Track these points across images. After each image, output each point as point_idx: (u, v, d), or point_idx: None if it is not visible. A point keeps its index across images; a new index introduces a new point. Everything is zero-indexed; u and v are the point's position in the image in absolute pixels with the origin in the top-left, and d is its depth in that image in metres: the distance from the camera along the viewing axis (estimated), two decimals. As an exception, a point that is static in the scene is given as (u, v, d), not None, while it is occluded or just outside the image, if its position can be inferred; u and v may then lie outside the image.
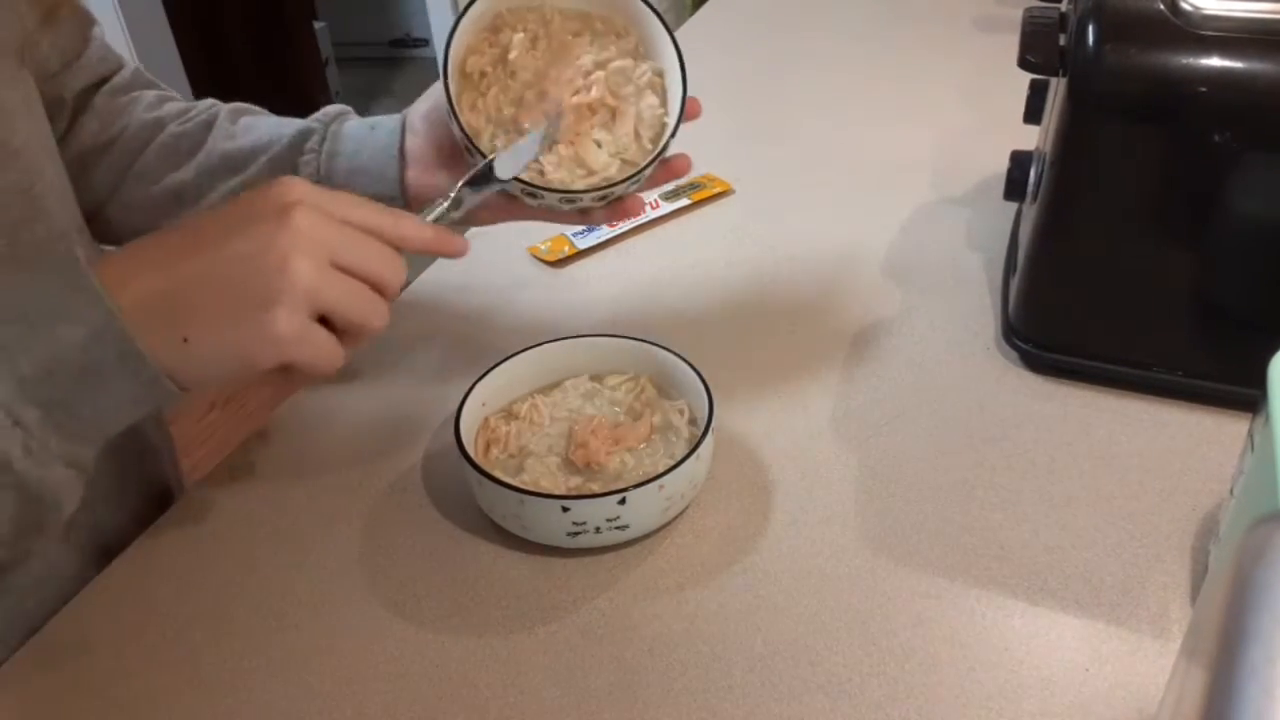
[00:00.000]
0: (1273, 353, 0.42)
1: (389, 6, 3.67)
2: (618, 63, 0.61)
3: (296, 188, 0.48)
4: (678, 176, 0.64)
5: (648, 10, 0.61)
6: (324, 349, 0.48)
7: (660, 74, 0.62)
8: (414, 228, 0.52)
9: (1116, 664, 0.51)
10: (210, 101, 0.72)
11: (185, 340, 0.46)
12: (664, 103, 0.61)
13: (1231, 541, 0.30)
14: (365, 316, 0.49)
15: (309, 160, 0.66)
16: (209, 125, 0.70)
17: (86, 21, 0.69)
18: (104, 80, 0.71)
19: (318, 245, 0.47)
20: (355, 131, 0.67)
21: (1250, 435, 0.47)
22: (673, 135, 0.59)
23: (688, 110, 0.61)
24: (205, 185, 0.68)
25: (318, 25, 3.11)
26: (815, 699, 0.50)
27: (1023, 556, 0.56)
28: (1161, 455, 0.62)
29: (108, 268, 0.46)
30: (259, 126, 0.69)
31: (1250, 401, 0.46)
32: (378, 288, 0.49)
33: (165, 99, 0.73)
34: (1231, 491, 0.51)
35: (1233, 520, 0.49)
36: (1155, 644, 0.51)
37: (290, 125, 0.69)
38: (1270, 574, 0.27)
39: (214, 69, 2.61)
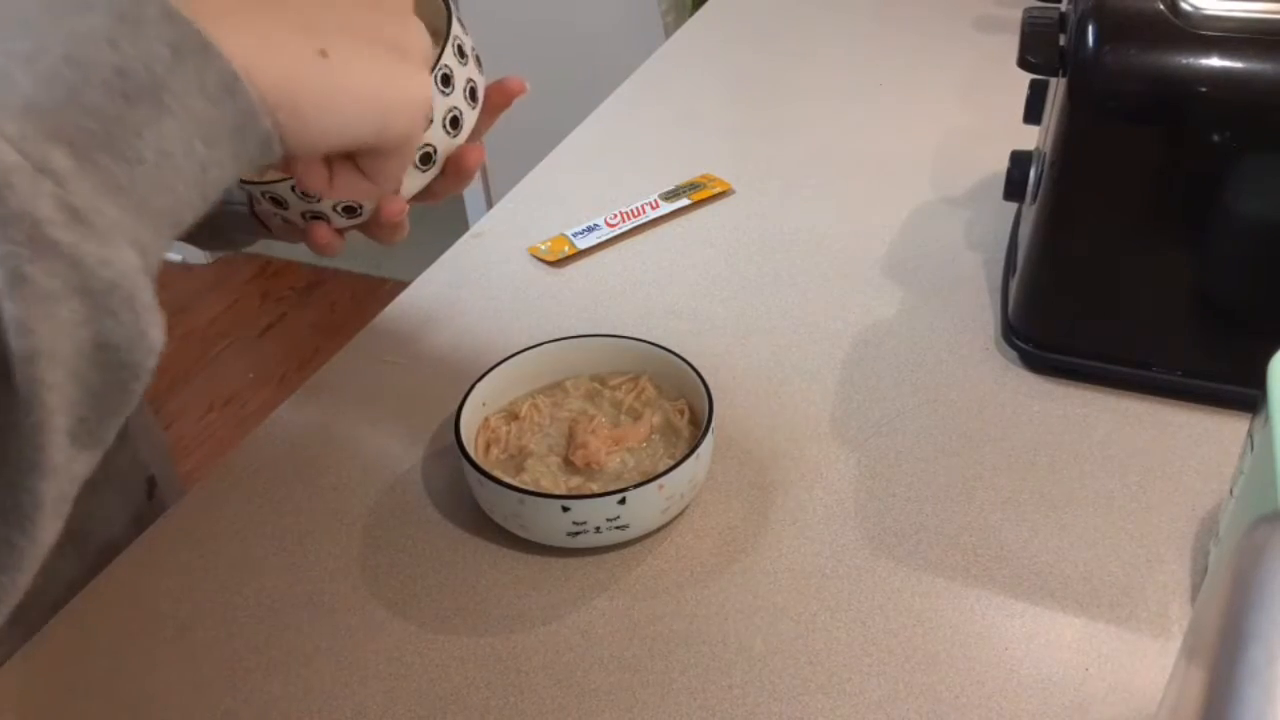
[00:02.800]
0: (1273, 353, 0.42)
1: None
2: None
3: None
4: (509, 99, 0.54)
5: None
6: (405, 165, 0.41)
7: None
8: None
9: (1116, 664, 0.51)
10: None
11: (324, 53, 0.35)
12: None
13: (1231, 541, 0.30)
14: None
15: None
16: None
17: None
18: None
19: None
20: None
21: (1250, 435, 0.47)
22: None
23: (506, 90, 0.54)
24: None
25: None
26: (815, 699, 0.50)
27: (1023, 556, 0.56)
28: (1161, 455, 0.62)
29: None
30: None
31: (1250, 401, 0.46)
32: None
33: None
34: (1231, 491, 0.51)
35: (1233, 520, 0.49)
36: (1155, 644, 0.51)
37: None
38: (1270, 574, 0.27)
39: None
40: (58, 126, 0.29)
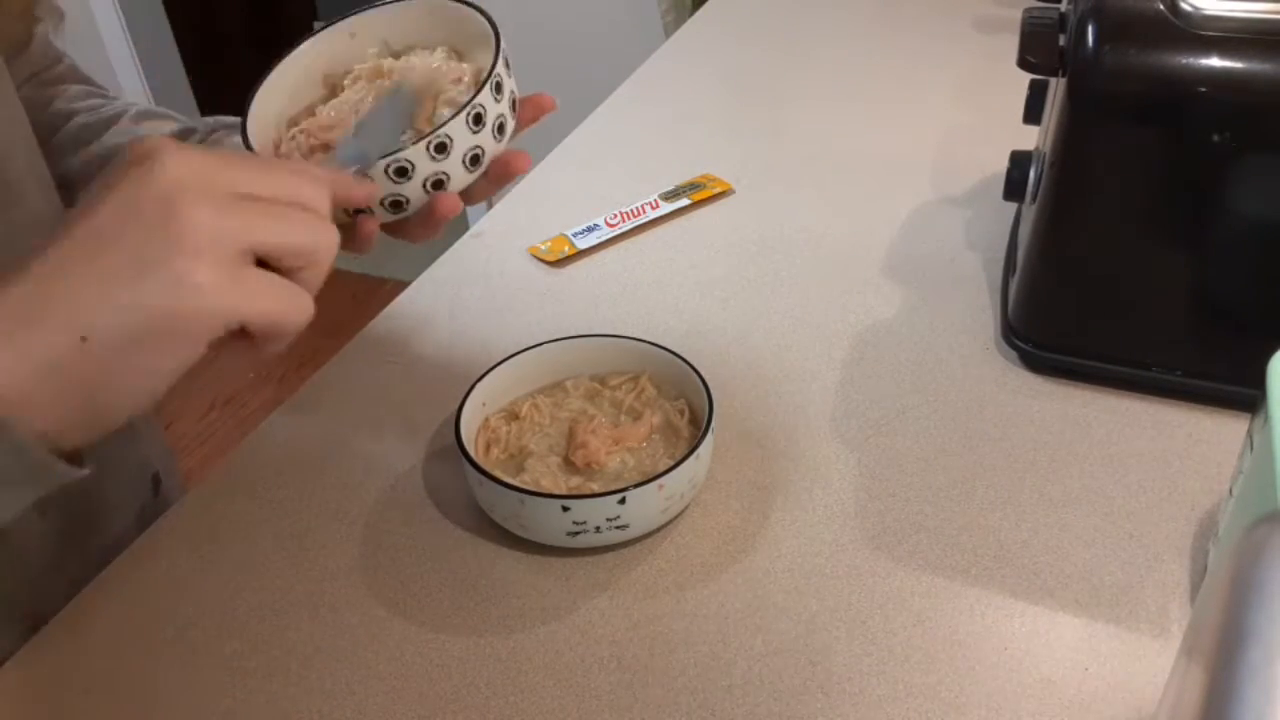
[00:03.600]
0: (1273, 353, 0.42)
1: (389, 6, 3.67)
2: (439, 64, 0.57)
3: (150, 140, 0.38)
4: (511, 175, 0.55)
5: (480, 19, 0.56)
6: (275, 294, 0.38)
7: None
8: (309, 167, 0.44)
9: (1116, 664, 0.51)
10: (132, 101, 0.72)
11: (84, 339, 0.34)
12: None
13: (1231, 541, 0.30)
14: (307, 237, 0.38)
15: None
16: (112, 120, 0.69)
17: (33, 18, 0.68)
18: (35, 74, 0.70)
19: (202, 178, 0.37)
20: (239, 144, 0.58)
21: (1250, 435, 0.47)
22: (468, 107, 0.51)
23: (538, 105, 0.56)
24: (89, 175, 0.66)
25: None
26: (815, 699, 0.50)
27: (1023, 556, 0.56)
28: (1161, 455, 0.62)
29: None
30: (151, 127, 0.69)
31: (1250, 401, 0.46)
32: (305, 207, 0.39)
33: (91, 94, 0.72)
34: (1231, 491, 0.51)
35: (1232, 520, 0.49)
36: (1155, 644, 0.51)
37: (177, 125, 0.68)
38: (1270, 574, 0.27)
39: (214, 69, 2.61)
40: None
